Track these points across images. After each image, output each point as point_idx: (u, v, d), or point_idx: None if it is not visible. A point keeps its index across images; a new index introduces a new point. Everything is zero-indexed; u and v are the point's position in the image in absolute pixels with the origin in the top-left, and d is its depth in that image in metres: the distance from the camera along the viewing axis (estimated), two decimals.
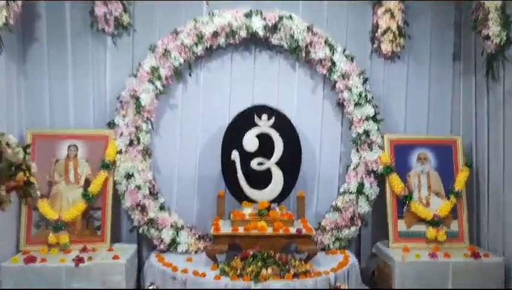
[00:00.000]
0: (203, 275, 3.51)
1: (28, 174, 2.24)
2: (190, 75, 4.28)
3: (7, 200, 2.14)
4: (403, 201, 4.16)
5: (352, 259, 4.01)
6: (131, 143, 4.04)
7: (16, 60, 3.90)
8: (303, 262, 3.69)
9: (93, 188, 3.95)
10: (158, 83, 4.08)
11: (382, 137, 4.27)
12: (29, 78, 4.09)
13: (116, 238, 4.16)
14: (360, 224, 4.29)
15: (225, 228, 3.83)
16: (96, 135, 4.10)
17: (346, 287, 3.22)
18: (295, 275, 3.49)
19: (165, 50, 4.06)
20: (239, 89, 4.33)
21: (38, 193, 2.28)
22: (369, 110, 4.21)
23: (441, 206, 4.16)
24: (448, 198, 4.17)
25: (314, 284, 3.46)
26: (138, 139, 4.06)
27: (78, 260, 3.53)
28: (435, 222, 4.10)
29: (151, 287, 2.72)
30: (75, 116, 4.17)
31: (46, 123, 4.12)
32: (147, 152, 4.13)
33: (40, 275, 3.49)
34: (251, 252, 3.63)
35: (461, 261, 3.79)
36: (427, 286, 3.75)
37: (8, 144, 2.16)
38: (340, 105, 4.36)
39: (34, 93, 4.10)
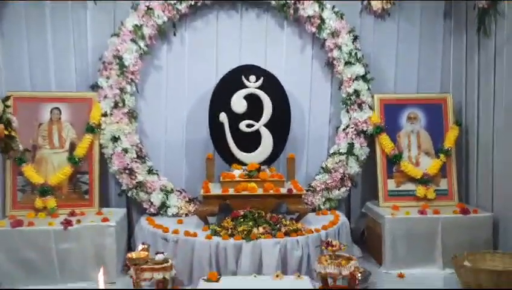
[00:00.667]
0: (195, 235, 3.49)
1: (9, 128, 2.16)
2: (175, 34, 4.16)
3: None
4: (392, 161, 4.15)
5: (343, 218, 4.02)
6: (116, 105, 3.94)
7: None
8: (294, 222, 3.69)
9: (79, 151, 3.86)
10: (141, 43, 3.96)
11: (372, 97, 4.22)
12: (6, 40, 3.93)
13: (104, 203, 4.11)
14: (350, 185, 4.29)
15: (215, 190, 3.80)
16: (80, 98, 3.98)
17: (338, 243, 3.22)
18: (286, 234, 3.48)
19: (148, 8, 3.92)
20: (226, 49, 4.23)
21: (21, 146, 2.20)
22: (359, 69, 4.14)
23: (430, 164, 4.16)
24: (438, 157, 4.17)
25: (305, 241, 3.46)
26: (123, 102, 3.95)
27: (67, 223, 3.48)
28: (425, 181, 4.11)
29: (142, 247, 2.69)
30: (56, 79, 4.04)
31: (27, 87, 3.98)
32: (132, 115, 4.03)
33: (28, 239, 3.44)
34: (242, 213, 3.61)
35: (450, 217, 3.82)
36: (417, 242, 3.77)
37: None
38: (330, 64, 4.28)
39: (12, 56, 3.95)
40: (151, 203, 4.00)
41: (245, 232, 3.42)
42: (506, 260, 3.51)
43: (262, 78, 4.01)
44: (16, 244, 3.42)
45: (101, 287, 2.82)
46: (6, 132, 2.12)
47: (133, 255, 2.57)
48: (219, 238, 3.42)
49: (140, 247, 2.77)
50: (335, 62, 4.19)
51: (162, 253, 3.21)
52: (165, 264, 3.14)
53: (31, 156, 3.84)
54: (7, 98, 2.24)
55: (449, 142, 4.17)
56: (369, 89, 4.19)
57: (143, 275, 2.97)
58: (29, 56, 3.98)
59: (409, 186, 4.16)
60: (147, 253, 2.61)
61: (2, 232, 3.44)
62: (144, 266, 3.02)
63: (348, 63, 4.13)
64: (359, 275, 3.31)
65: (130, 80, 3.97)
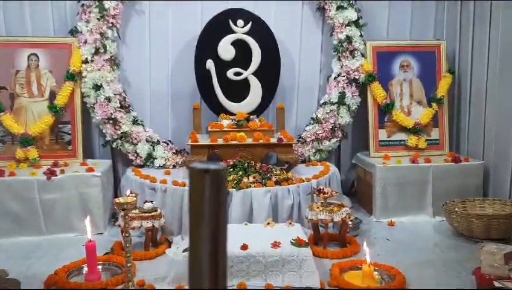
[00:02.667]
0: (183, 184, 3.40)
1: None
2: None
3: None
4: (384, 110, 4.08)
5: (333, 168, 3.97)
6: (97, 51, 3.74)
7: None
8: (284, 171, 3.63)
9: (60, 100, 3.69)
10: None
11: (364, 44, 4.09)
12: None
13: (88, 154, 3.98)
14: (340, 135, 4.21)
15: (203, 140, 3.69)
16: (58, 43, 3.77)
17: (330, 190, 3.17)
18: (277, 183, 3.42)
19: None
20: None
21: None
22: (351, 14, 3.99)
23: (422, 114, 4.10)
24: (430, 106, 4.11)
25: (296, 190, 3.41)
26: (104, 48, 3.76)
27: (50, 173, 3.36)
28: (416, 130, 4.06)
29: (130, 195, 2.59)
30: (32, 23, 3.81)
31: (1, 31, 3.75)
32: (114, 62, 3.85)
33: (10, 190, 3.32)
34: (231, 162, 3.53)
35: (442, 166, 3.80)
36: (408, 191, 3.76)
37: None
38: (321, 9, 4.11)
39: None
40: (137, 154, 3.89)
41: (235, 182, 3.35)
42: (495, 206, 3.54)
43: (250, 23, 3.84)
44: None
45: (88, 234, 2.76)
46: None
47: (120, 199, 2.47)
48: None
49: (128, 192, 2.67)
50: (326, 7, 4.03)
51: (151, 202, 3.13)
52: (154, 213, 3.07)
53: (9, 105, 3.66)
54: None
55: (442, 90, 4.10)
56: (361, 35, 4.05)
57: (132, 223, 2.89)
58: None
59: (401, 136, 4.11)
60: (135, 198, 2.52)
61: None
62: (133, 214, 2.94)
63: (340, 8, 3.97)
64: (350, 222, 3.30)
65: (111, 24, 3.76)
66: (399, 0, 4.25)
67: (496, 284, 2.37)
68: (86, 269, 2.77)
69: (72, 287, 2.60)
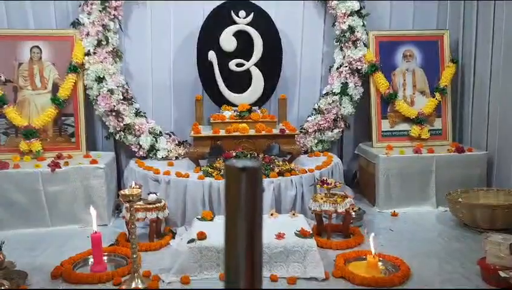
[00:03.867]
0: (187, 176, 3.41)
1: None
2: None
3: None
4: (387, 100, 4.06)
5: (336, 159, 3.97)
6: (99, 44, 3.73)
7: None
8: (287, 162, 3.63)
9: (63, 92, 3.69)
10: None
11: (367, 34, 4.07)
12: None
13: (91, 147, 3.98)
14: (343, 126, 4.20)
15: (205, 131, 3.69)
16: (61, 35, 3.75)
17: (333, 181, 3.18)
18: (280, 174, 3.43)
19: None
20: None
21: (2, 76, 2.04)
22: (353, 3, 3.96)
23: (425, 104, 4.09)
24: (433, 96, 4.10)
25: (299, 181, 3.42)
26: (106, 40, 3.75)
27: (54, 165, 3.37)
28: (419, 120, 4.04)
29: (134, 186, 2.60)
30: (34, 15, 3.79)
31: (3, 24, 3.73)
32: (117, 54, 3.84)
33: (15, 182, 3.33)
34: (234, 153, 3.53)
35: (445, 156, 3.80)
36: (411, 181, 3.76)
37: None
38: None
39: None
40: (140, 146, 3.89)
41: None
42: (500, 196, 3.54)
43: (252, 14, 3.82)
44: (3, 187, 3.32)
45: (94, 226, 2.78)
46: None
47: (126, 191, 2.48)
48: (212, 178, 3.35)
49: (133, 184, 2.69)
50: None
51: (155, 193, 3.14)
52: (158, 204, 3.08)
53: (12, 98, 3.67)
54: None
55: (445, 80, 4.08)
56: (364, 25, 4.02)
57: (136, 214, 2.90)
58: None
59: (403, 126, 4.10)
60: (139, 190, 2.53)
61: None
62: (137, 206, 2.95)
63: None
64: (354, 213, 3.32)
65: (113, 17, 3.75)
66: None
67: (502, 274, 2.38)
68: (91, 260, 2.79)
69: (79, 278, 2.62)
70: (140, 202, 3.02)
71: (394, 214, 3.69)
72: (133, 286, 2.51)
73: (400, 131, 4.10)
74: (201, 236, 2.72)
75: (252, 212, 0.73)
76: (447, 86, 4.08)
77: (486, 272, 2.50)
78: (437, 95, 4.07)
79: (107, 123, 3.87)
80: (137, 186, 2.75)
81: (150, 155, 3.92)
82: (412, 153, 3.83)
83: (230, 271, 0.74)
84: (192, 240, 2.71)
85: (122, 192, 2.52)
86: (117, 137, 3.89)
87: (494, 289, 2.46)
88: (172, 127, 4.14)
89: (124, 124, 3.82)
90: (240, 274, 0.72)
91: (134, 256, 2.52)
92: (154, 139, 3.90)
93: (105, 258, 2.84)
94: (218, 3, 3.83)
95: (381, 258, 2.73)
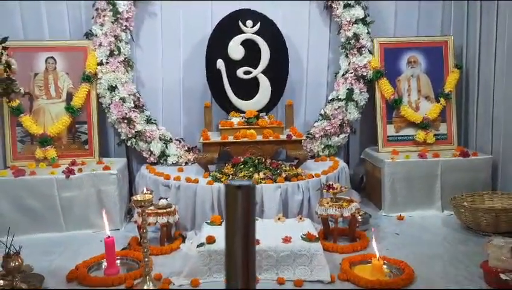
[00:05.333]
0: (196, 181, 3.51)
1: (8, 70, 2.11)
2: None
3: None
4: (392, 106, 4.13)
5: (342, 163, 4.05)
6: (111, 54, 3.86)
7: None
8: (294, 167, 3.72)
9: (76, 101, 3.82)
10: None
11: (372, 41, 4.14)
12: None
13: (104, 153, 4.11)
14: (349, 131, 4.28)
15: (214, 137, 3.79)
16: (74, 46, 3.90)
17: (339, 185, 3.25)
18: (287, 179, 3.51)
19: None
20: None
21: (22, 89, 2.16)
22: (358, 11, 4.04)
23: (430, 109, 4.15)
24: (438, 101, 4.16)
25: (306, 185, 3.50)
26: (119, 50, 3.87)
27: (69, 172, 3.49)
28: (424, 125, 4.11)
29: (146, 193, 2.70)
30: (49, 27, 3.94)
31: (20, 36, 3.88)
32: (128, 63, 3.97)
33: (31, 188, 3.46)
34: (242, 159, 3.62)
35: (450, 160, 3.85)
36: (416, 185, 3.82)
37: None
38: (328, 8, 4.17)
39: (4, 4, 3.82)
40: (151, 152, 4.00)
41: (246, 178, 3.44)
42: (504, 200, 3.59)
43: (259, 23, 3.92)
44: (19, 193, 3.44)
45: (106, 230, 2.88)
46: (5, 74, 2.07)
47: (138, 197, 2.59)
48: (220, 183, 3.45)
49: (144, 190, 2.79)
50: (334, 5, 4.09)
51: (166, 198, 3.25)
52: (169, 209, 3.18)
53: (28, 107, 3.81)
54: (4, 39, 2.16)
55: (449, 85, 4.14)
56: (368, 32, 4.10)
57: (148, 219, 3.00)
58: (21, 4, 3.87)
59: (409, 131, 4.17)
60: (151, 195, 2.64)
61: (5, 181, 3.45)
62: (148, 210, 3.05)
63: (347, 6, 4.03)
64: (359, 217, 3.38)
65: (124, 27, 3.88)
66: None
67: (503, 276, 2.44)
68: (105, 263, 2.89)
69: (93, 281, 2.72)
70: (152, 207, 3.12)
71: (400, 218, 3.75)
72: (145, 288, 2.61)
73: (405, 136, 4.17)
74: (211, 240, 2.81)
75: (247, 221, 0.83)
76: (452, 91, 4.14)
77: (489, 275, 2.56)
78: (442, 100, 4.13)
79: (119, 130, 3.99)
80: (149, 192, 2.85)
81: (161, 161, 4.03)
82: (417, 157, 3.89)
83: (230, 269, 0.83)
84: (201, 244, 2.80)
85: (134, 197, 2.62)
86: (129, 144, 4.02)
87: None
88: (182, 134, 4.25)
89: (135, 131, 3.93)
90: (238, 272, 0.81)
91: (146, 259, 2.61)
92: (164, 146, 4.01)
93: (118, 261, 2.94)
94: (226, 13, 3.93)
95: (385, 262, 2.80)
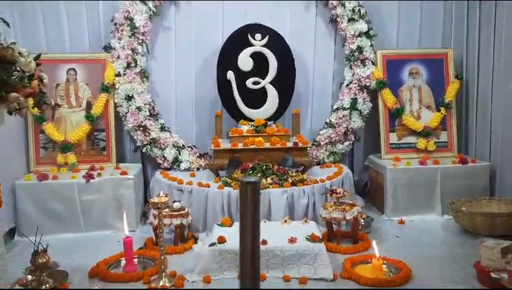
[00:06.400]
0: (208, 185, 3.73)
1: (41, 84, 2.35)
2: None
3: (25, 106, 2.27)
4: (395, 114, 4.33)
5: (346, 170, 4.24)
6: (128, 66, 4.11)
7: None
8: (300, 173, 3.92)
9: (96, 110, 4.07)
10: (151, 4, 4.10)
11: (375, 53, 4.35)
12: (20, 4, 4.06)
13: (120, 159, 4.33)
14: (353, 139, 4.48)
15: (224, 144, 4.01)
16: (94, 59, 4.15)
17: (342, 190, 3.45)
18: (293, 184, 3.71)
19: None
20: (231, 9, 4.33)
21: (52, 100, 2.39)
22: (362, 25, 4.25)
23: (431, 118, 4.33)
24: (439, 110, 4.34)
25: (311, 190, 3.70)
26: (135, 62, 4.12)
27: (89, 177, 3.73)
28: (425, 133, 4.29)
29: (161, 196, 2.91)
30: (70, 40, 4.20)
31: (43, 48, 4.13)
32: (144, 75, 4.21)
33: (53, 191, 3.70)
34: (251, 165, 3.83)
35: (450, 167, 4.03)
36: (417, 191, 3.99)
37: (20, 53, 2.24)
38: (333, 21, 4.39)
39: (28, 20, 4.09)
40: (165, 158, 4.23)
41: None
42: (501, 205, 3.75)
43: (267, 37, 4.14)
44: (43, 196, 3.68)
45: (125, 231, 3.11)
46: (38, 87, 2.31)
47: (155, 199, 2.81)
48: (230, 188, 3.66)
49: (161, 193, 3.00)
50: (338, 19, 4.30)
51: (179, 201, 3.46)
52: (182, 212, 3.40)
53: (50, 115, 4.06)
54: (37, 56, 2.41)
55: (450, 95, 4.32)
56: (371, 45, 4.31)
57: (163, 220, 3.21)
58: (44, 19, 4.14)
59: (410, 139, 4.35)
60: (167, 198, 2.86)
61: (30, 185, 3.70)
62: (164, 212, 3.26)
63: (351, 20, 4.24)
64: (362, 220, 3.57)
65: (141, 41, 4.12)
66: (408, 10, 4.48)
67: (493, 275, 2.61)
68: (123, 261, 3.11)
69: (113, 277, 2.94)
70: (166, 209, 3.34)
71: (401, 222, 3.92)
72: (161, 284, 2.83)
73: (407, 143, 4.35)
74: (221, 240, 3.02)
75: (253, 211, 1.05)
76: (452, 100, 4.33)
77: (481, 274, 2.73)
78: (442, 109, 4.32)
79: (135, 137, 4.23)
80: (164, 195, 3.07)
81: (174, 166, 4.26)
82: (418, 164, 4.07)
83: (243, 253, 1.05)
84: (213, 244, 3.01)
85: (151, 200, 2.85)
86: (144, 150, 4.25)
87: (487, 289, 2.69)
88: (193, 141, 4.47)
89: (150, 138, 4.17)
90: (248, 256, 1.03)
91: (162, 257, 2.83)
92: (177, 152, 4.24)
93: (135, 260, 3.16)
94: (236, 27, 4.16)
95: (385, 262, 2.99)
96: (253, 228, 1.08)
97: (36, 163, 4.04)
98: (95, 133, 4.16)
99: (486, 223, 3.41)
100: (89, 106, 4.12)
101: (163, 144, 4.20)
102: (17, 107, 2.30)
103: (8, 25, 2.33)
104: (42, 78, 2.40)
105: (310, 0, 4.39)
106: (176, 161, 4.25)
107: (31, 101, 2.42)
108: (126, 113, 4.14)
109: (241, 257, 1.10)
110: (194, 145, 4.39)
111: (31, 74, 2.32)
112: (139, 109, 4.12)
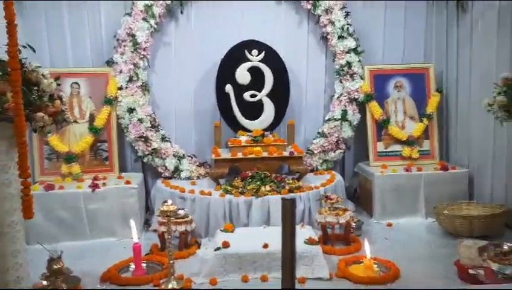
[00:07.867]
0: (209, 193, 3.94)
1: (61, 103, 2.54)
2: (182, 12, 4.48)
3: (49, 124, 2.45)
4: (381, 125, 4.62)
5: (338, 177, 4.51)
6: (130, 79, 4.31)
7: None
8: (296, 181, 4.17)
9: (99, 122, 4.25)
10: (152, 21, 4.30)
11: (363, 68, 4.64)
12: (26, 21, 4.22)
13: (122, 169, 4.50)
14: (344, 147, 4.75)
15: (224, 154, 4.23)
16: (97, 73, 4.34)
17: (336, 196, 3.71)
18: (290, 191, 3.96)
19: None
20: (229, 25, 4.57)
21: (71, 118, 2.58)
22: (350, 42, 4.55)
23: (414, 128, 4.65)
24: (421, 121, 4.65)
25: (307, 196, 3.95)
26: (137, 76, 4.32)
27: (94, 186, 3.90)
28: (410, 142, 4.60)
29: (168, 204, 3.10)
30: (73, 56, 4.38)
31: (46, 63, 4.28)
32: (145, 88, 4.40)
33: (60, 200, 3.86)
34: (250, 173, 4.06)
35: (432, 173, 4.34)
36: (403, 196, 4.28)
37: (43, 75, 2.44)
38: (324, 38, 4.67)
39: (33, 35, 4.22)
40: (166, 167, 4.43)
41: (254, 190, 3.88)
42: (479, 208, 4.05)
43: (263, 52, 4.39)
44: (50, 205, 3.83)
45: (134, 238, 3.29)
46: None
47: (164, 207, 3.00)
48: (231, 196, 3.88)
49: (169, 201, 3.19)
50: (329, 36, 4.59)
51: (183, 209, 3.67)
52: (186, 219, 3.60)
53: (54, 128, 4.21)
54: (58, 77, 2.61)
55: (431, 107, 4.64)
56: (360, 60, 4.61)
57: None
58: (48, 35, 4.32)
59: (396, 147, 4.65)
60: (175, 206, 3.05)
61: (38, 195, 3.81)
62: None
63: (340, 37, 4.53)
64: (353, 223, 3.84)
65: (142, 56, 4.33)
66: (393, 28, 4.78)
67: (471, 271, 2.91)
68: (132, 266, 3.29)
69: (124, 281, 3.13)
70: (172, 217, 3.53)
71: (389, 225, 4.20)
72: (170, 286, 3.02)
73: (393, 152, 4.65)
74: (226, 245, 3.24)
75: (292, 221, 1.30)
76: (433, 112, 4.65)
77: (460, 271, 3.02)
78: (425, 120, 4.63)
79: (136, 148, 4.42)
80: (171, 203, 3.27)
81: (174, 175, 4.46)
82: (403, 171, 4.37)
83: (286, 260, 1.29)
84: (218, 248, 3.23)
85: (161, 208, 3.04)
86: (145, 160, 4.44)
87: (465, 288, 2.96)
88: (193, 150, 4.67)
89: (151, 149, 4.37)
90: (288, 260, 1.27)
91: (171, 262, 3.02)
92: (178, 161, 4.44)
93: (143, 265, 3.35)
94: (234, 43, 4.40)
95: (375, 262, 3.25)
96: (292, 234, 1.31)
97: (41, 173, 4.18)
98: (98, 144, 4.33)
99: (466, 225, 3.71)
100: (92, 118, 4.29)
101: (164, 153, 4.40)
102: (42, 125, 2.48)
103: (33, 50, 2.51)
104: (61, 97, 2.59)
105: (302, 18, 4.65)
106: (177, 170, 4.44)
107: (50, 119, 2.60)
108: (128, 125, 4.33)
109: (282, 257, 1.34)
110: (194, 155, 4.59)
111: (52, 94, 2.51)
112: (140, 120, 4.31)
